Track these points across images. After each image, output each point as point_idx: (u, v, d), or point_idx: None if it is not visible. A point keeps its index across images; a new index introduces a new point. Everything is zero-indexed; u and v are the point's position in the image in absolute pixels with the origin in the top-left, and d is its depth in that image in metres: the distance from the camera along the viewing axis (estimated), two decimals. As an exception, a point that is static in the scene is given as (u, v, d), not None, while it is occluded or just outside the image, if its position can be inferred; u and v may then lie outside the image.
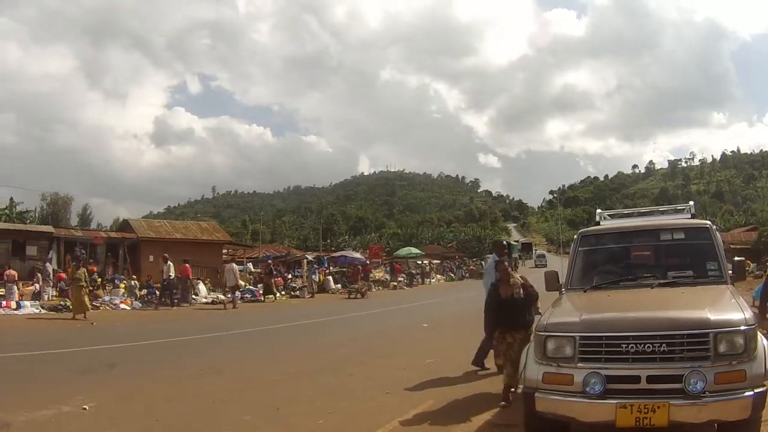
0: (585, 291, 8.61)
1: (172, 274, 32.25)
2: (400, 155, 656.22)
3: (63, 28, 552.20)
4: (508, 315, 10.56)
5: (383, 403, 10.54)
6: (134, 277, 36.74)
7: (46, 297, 30.40)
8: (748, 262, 47.45)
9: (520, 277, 11.05)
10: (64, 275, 32.51)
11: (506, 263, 11.15)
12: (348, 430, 8.97)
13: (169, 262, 32.10)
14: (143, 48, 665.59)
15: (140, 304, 32.46)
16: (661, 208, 12.51)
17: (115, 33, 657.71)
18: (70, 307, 27.11)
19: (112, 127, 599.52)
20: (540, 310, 10.38)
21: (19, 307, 27.78)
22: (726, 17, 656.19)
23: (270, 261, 45.44)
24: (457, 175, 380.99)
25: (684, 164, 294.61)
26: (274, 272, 43.95)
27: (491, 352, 12.38)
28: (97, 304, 29.69)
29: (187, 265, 35.12)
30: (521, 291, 10.54)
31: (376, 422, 9.23)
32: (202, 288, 38.77)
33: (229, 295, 35.01)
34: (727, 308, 6.84)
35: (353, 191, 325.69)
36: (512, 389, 10.12)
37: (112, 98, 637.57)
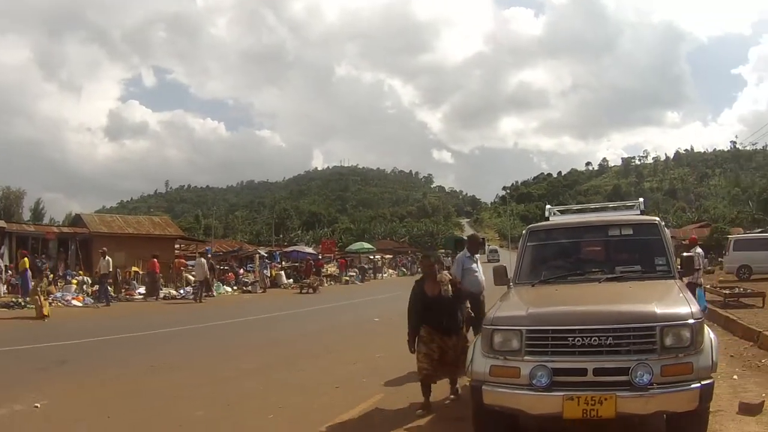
0: (533, 285, 8.61)
1: (110, 269, 31.70)
2: (354, 151, 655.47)
3: (18, 19, 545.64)
4: (435, 315, 9.54)
5: (334, 398, 10.55)
6: (80, 272, 36.46)
7: (1, 294, 29.96)
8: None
9: (448, 273, 10.34)
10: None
11: (432, 259, 10.28)
12: (299, 425, 8.97)
13: (107, 256, 31.41)
14: (100, 40, 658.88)
15: (92, 300, 32.17)
16: (611, 205, 12.62)
17: (72, 25, 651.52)
18: (22, 303, 27.00)
19: (67, 119, 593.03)
20: (470, 310, 10.36)
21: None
22: (683, 20, 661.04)
23: (209, 255, 41.86)
24: (410, 171, 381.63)
25: (638, 162, 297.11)
26: (215, 267, 42.25)
27: None
28: (49, 300, 29.45)
29: (155, 260, 36.36)
30: (449, 288, 9.57)
31: (327, 417, 9.24)
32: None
33: (195, 289, 36.55)
34: (674, 302, 6.91)
35: (306, 186, 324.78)
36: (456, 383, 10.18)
37: (68, 90, 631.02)
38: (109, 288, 32.22)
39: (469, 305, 10.49)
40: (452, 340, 9.55)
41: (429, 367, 9.51)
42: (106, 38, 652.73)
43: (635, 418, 6.74)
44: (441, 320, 9.56)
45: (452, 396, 10.18)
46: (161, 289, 36.82)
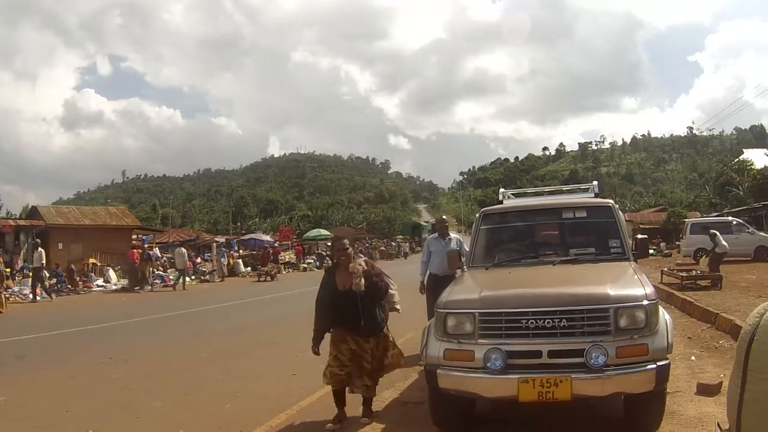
0: (486, 269, 8.67)
1: (44, 261, 30.40)
2: (311, 137, 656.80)
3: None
4: (346, 314, 7.97)
5: (292, 385, 10.57)
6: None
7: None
8: (656, 241, 48.46)
9: (365, 262, 8.21)
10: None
11: (346, 243, 8.32)
12: (255, 413, 8.95)
13: (39, 248, 30.60)
14: (55, 27, 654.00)
15: (52, 294, 31.90)
16: (566, 188, 12.72)
17: (26, 11, 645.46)
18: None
19: (21, 110, 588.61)
20: (398, 306, 8.70)
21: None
22: (642, 8, 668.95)
23: (146, 245, 41.72)
24: (367, 157, 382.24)
25: (594, 147, 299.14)
26: (152, 257, 39.54)
27: None
28: (7, 295, 29.15)
29: (134, 250, 37.80)
30: (362, 282, 7.81)
31: (284, 404, 9.29)
32: (111, 274, 38.29)
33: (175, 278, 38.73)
34: (628, 284, 6.95)
35: (263, 174, 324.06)
36: (372, 403, 8.55)
37: (22, 79, 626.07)
38: (45, 282, 31.18)
39: (396, 302, 8.71)
40: (369, 344, 8.06)
41: (340, 372, 8.13)
42: (61, 25, 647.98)
43: (592, 401, 6.77)
44: (354, 320, 7.93)
45: (365, 418, 8.33)
46: (107, 282, 36.87)
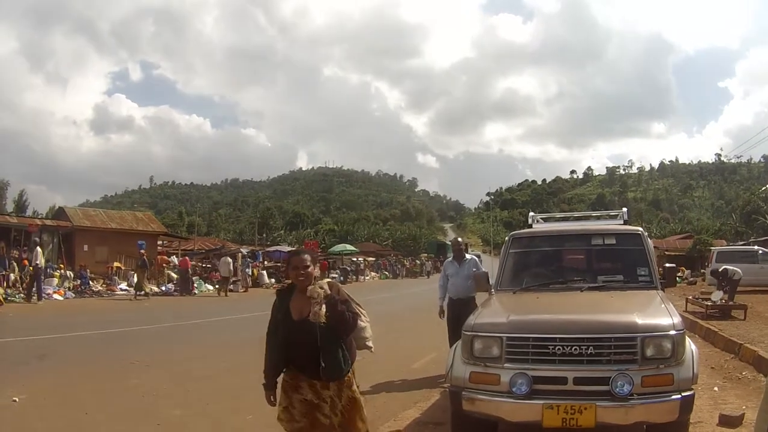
0: (514, 292, 8.63)
1: (40, 261, 29.20)
2: (339, 152, 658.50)
3: (4, 9, 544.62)
4: (302, 351, 5.97)
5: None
6: (61, 266, 36.29)
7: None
8: (683, 269, 48.15)
9: (329, 285, 6.10)
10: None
11: (307, 259, 6.13)
12: (275, 425, 8.91)
13: (37, 248, 29.70)
14: (87, 33, 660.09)
15: (73, 294, 32.05)
16: (594, 214, 12.65)
17: (59, 16, 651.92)
18: (4, 297, 27.05)
19: (52, 112, 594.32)
20: (369, 344, 6.73)
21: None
22: (670, 31, 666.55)
23: (142, 251, 37.88)
24: (395, 174, 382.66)
25: (622, 171, 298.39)
26: (147, 264, 37.15)
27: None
28: (33, 293, 29.32)
29: (187, 258, 39.68)
30: (322, 311, 5.78)
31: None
32: (136, 279, 38.37)
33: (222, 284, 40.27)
34: (655, 313, 6.90)
35: (291, 186, 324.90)
36: None
37: (54, 83, 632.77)
38: (41, 283, 29.78)
39: (367, 337, 6.66)
40: (329, 391, 6.01)
41: (290, 427, 6.24)
42: (93, 31, 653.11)
43: (615, 429, 6.73)
44: (312, 361, 5.89)
45: None
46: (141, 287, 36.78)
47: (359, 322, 6.39)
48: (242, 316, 25.84)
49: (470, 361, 6.81)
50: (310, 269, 6.03)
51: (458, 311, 11.84)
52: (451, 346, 11.59)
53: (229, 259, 42.33)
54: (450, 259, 13.26)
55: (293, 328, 6.02)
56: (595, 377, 6.24)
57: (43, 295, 29.57)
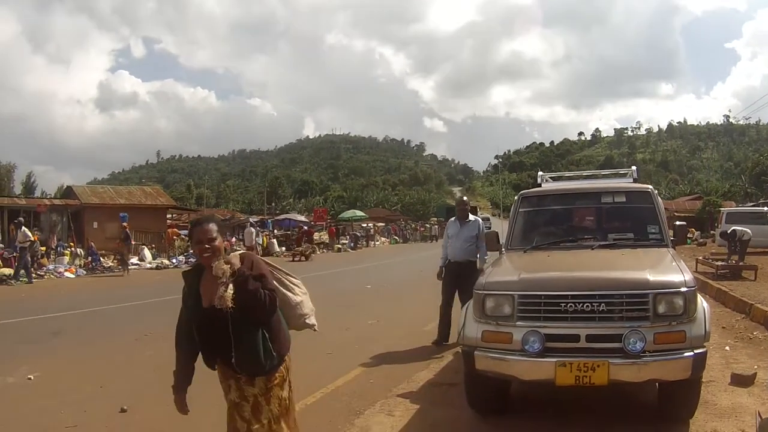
0: (525, 251, 8.58)
1: (31, 237, 28.52)
2: (345, 119, 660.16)
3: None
4: (216, 342, 4.91)
5: (326, 365, 10.56)
6: (71, 244, 36.36)
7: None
8: (692, 230, 48.16)
9: (241, 257, 4.98)
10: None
11: (211, 229, 4.87)
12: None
13: (23, 227, 28.61)
14: (88, 11, 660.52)
15: (85, 272, 32.16)
16: (604, 172, 12.63)
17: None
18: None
19: (56, 92, 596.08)
20: (310, 321, 5.67)
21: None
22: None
23: (125, 224, 35.39)
24: (402, 139, 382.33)
25: (630, 133, 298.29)
26: (130, 237, 34.72)
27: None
28: (42, 273, 29.34)
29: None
30: (227, 294, 4.67)
31: (319, 383, 9.28)
32: (146, 253, 38.53)
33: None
34: (667, 270, 6.86)
35: (298, 155, 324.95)
36: None
37: (56, 63, 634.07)
38: (28, 262, 28.38)
39: (306, 314, 5.60)
40: (254, 389, 4.97)
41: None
42: (94, 9, 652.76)
43: (627, 387, 6.73)
44: (225, 352, 4.87)
45: None
46: (142, 261, 37.05)
47: (291, 296, 5.36)
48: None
49: (482, 320, 6.78)
50: (217, 242, 4.84)
51: (454, 275, 11.91)
52: (442, 311, 11.66)
53: (253, 230, 45.54)
54: (453, 219, 12.68)
55: (204, 317, 4.86)
56: (608, 334, 6.21)
57: (54, 273, 29.72)
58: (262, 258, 5.30)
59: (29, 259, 28.10)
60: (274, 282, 5.08)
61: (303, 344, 12.25)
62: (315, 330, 5.82)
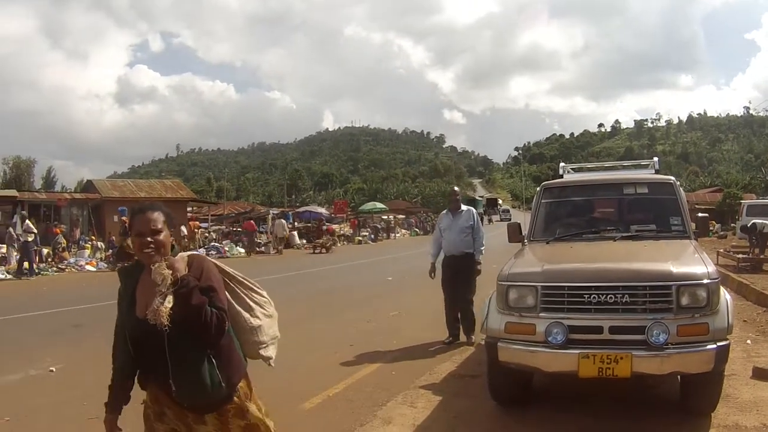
0: (547, 242, 8.57)
1: (34, 230, 27.70)
2: (365, 111, 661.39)
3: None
4: (152, 363, 3.96)
5: (348, 356, 10.59)
6: (93, 237, 36.50)
7: (12, 261, 29.72)
8: (713, 222, 47.95)
9: (190, 259, 3.99)
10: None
11: (156, 218, 3.92)
12: (312, 382, 8.97)
13: (27, 221, 28.88)
14: (105, 7, 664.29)
15: (106, 265, 32.27)
16: (625, 163, 12.57)
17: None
18: (36, 271, 27.38)
19: (74, 87, 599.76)
20: (267, 351, 4.44)
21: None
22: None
23: (124, 218, 32.35)
24: (422, 131, 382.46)
25: (650, 125, 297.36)
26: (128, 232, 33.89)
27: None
28: (63, 266, 29.45)
29: (252, 221, 44.80)
30: (164, 307, 3.64)
31: (342, 374, 9.35)
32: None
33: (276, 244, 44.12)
34: (689, 262, 6.82)
35: (318, 147, 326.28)
36: None
37: (74, 59, 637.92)
38: (32, 255, 27.58)
39: (264, 342, 4.38)
40: (207, 427, 3.98)
41: None
42: (111, 4, 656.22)
43: (649, 380, 6.72)
44: (164, 378, 3.85)
45: None
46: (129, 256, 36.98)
47: (247, 317, 4.16)
48: (275, 277, 25.99)
49: (505, 311, 6.76)
50: (162, 236, 3.90)
51: (454, 269, 11.61)
52: (447, 309, 11.46)
53: (283, 221, 46.64)
54: (446, 211, 12.32)
55: (137, 328, 3.92)
56: (631, 326, 6.18)
57: (76, 267, 29.81)
58: (218, 264, 4.09)
59: (33, 253, 27.75)
60: (229, 296, 4.04)
61: (325, 336, 12.34)
62: (270, 365, 4.48)
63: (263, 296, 4.44)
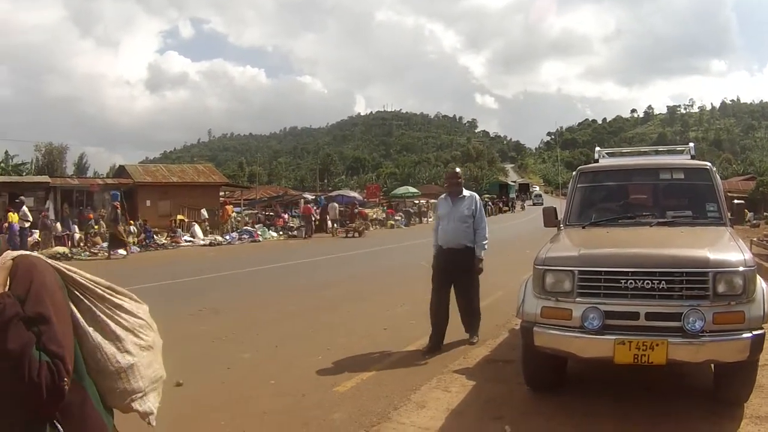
0: (583, 227, 8.53)
1: (30, 218, 27.65)
2: (396, 95, 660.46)
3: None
4: None
5: (382, 340, 10.61)
6: (130, 222, 36.78)
7: (49, 246, 29.95)
8: (745, 210, 47.67)
9: (13, 264, 2.35)
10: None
11: None
12: (346, 366, 9.00)
13: (23, 207, 28.35)
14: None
15: (138, 249, 32.51)
16: (661, 148, 12.49)
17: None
18: (69, 255, 27.64)
19: (105, 74, 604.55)
20: (142, 405, 2.71)
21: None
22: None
23: (116, 203, 31.34)
24: (454, 116, 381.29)
25: (683, 111, 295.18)
26: (119, 216, 30.90)
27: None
28: (96, 251, 29.66)
29: (309, 205, 46.28)
30: None
31: (376, 358, 9.38)
32: (197, 230, 38.87)
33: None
34: (726, 249, 6.76)
35: (350, 131, 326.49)
36: None
37: (105, 46, 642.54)
38: (27, 244, 27.02)
39: (137, 392, 2.70)
40: None
41: None
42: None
43: (681, 367, 6.69)
44: None
45: None
46: (193, 237, 37.91)
47: (112, 353, 2.66)
48: (308, 260, 26.06)
49: (542, 295, 6.73)
50: None
51: (446, 264, 10.10)
52: (432, 310, 10.04)
53: (336, 204, 49.51)
54: (444, 196, 10.66)
55: None
56: (667, 313, 6.14)
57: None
58: (62, 268, 2.58)
59: (18, 242, 26.80)
60: (82, 322, 2.60)
61: (358, 319, 12.37)
62: (150, 423, 2.84)
63: (139, 316, 2.99)
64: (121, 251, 29.32)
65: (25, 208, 28.05)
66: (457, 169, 11.35)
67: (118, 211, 31.08)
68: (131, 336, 2.79)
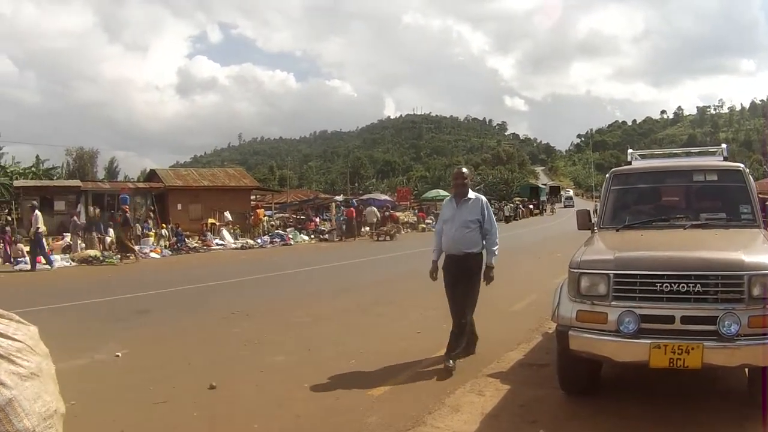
0: (617, 230, 8.47)
1: (41, 226, 26.01)
2: (425, 98, 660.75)
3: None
4: None
5: (414, 343, 10.58)
6: (162, 225, 37.02)
7: (79, 250, 30.41)
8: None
9: None
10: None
11: None
12: (379, 370, 9.00)
13: (36, 211, 26.85)
14: (162, 1, 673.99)
15: (170, 252, 32.74)
16: (693, 150, 12.42)
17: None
18: (101, 258, 28.06)
19: (134, 79, 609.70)
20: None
21: (50, 261, 26.54)
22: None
23: (125, 206, 32.09)
24: (484, 118, 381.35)
25: (713, 111, 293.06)
26: (129, 221, 31.10)
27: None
28: (128, 254, 29.92)
29: (352, 208, 45.86)
30: None
31: (407, 362, 9.32)
32: (225, 234, 39.07)
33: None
34: (761, 251, 6.71)
35: (380, 135, 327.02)
36: None
37: (133, 51, 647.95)
38: (44, 247, 26.86)
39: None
40: None
41: None
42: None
43: (718, 372, 6.65)
44: None
45: None
46: (222, 240, 38.26)
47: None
48: (339, 264, 26.10)
49: (577, 299, 6.73)
50: None
51: (454, 272, 9.51)
52: (454, 320, 9.46)
53: (374, 209, 48.96)
54: (449, 198, 9.99)
55: None
56: (702, 316, 6.10)
57: (141, 254, 30.34)
58: None
59: (38, 246, 26.36)
60: None
61: (391, 323, 12.37)
62: None
63: (14, 338, 2.58)
64: (128, 256, 29.06)
65: (37, 212, 27.29)
66: (464, 169, 9.97)
67: (128, 215, 31.18)
68: (4, 364, 2.36)
